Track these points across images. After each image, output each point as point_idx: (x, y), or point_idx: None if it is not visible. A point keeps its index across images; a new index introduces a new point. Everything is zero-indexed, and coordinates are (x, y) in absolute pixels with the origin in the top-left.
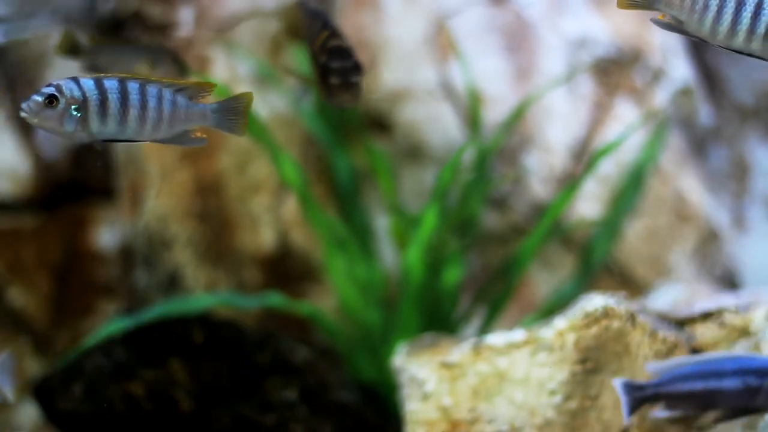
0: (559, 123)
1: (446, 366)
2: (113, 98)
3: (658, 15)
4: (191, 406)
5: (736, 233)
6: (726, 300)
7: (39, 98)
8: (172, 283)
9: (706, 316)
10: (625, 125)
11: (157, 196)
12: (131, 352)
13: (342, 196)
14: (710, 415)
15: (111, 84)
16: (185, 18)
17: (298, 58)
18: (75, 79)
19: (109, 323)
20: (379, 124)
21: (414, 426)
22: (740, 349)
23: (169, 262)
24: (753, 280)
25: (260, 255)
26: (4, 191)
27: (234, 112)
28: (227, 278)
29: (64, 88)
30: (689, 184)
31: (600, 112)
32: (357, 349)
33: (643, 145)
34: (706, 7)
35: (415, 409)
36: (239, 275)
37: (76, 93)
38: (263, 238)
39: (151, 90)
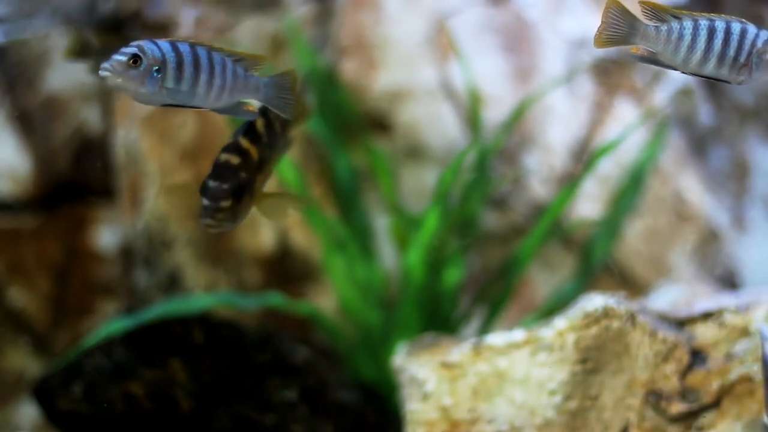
0: (559, 123)
1: (446, 366)
2: (188, 61)
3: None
4: (191, 406)
5: (736, 233)
6: (726, 300)
7: (122, 58)
8: (172, 283)
9: (706, 316)
10: (625, 125)
11: (157, 196)
12: (131, 352)
13: (342, 196)
14: None
15: (185, 48)
16: (185, 18)
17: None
18: (153, 41)
19: (109, 323)
20: (379, 124)
21: (414, 426)
22: (740, 349)
23: (169, 262)
24: (753, 280)
25: (260, 255)
26: (4, 191)
27: (283, 88)
28: (227, 278)
29: (145, 48)
30: (689, 184)
31: (600, 112)
32: (357, 349)
33: (643, 145)
34: (680, 37)
35: (415, 409)
36: (239, 275)
37: (157, 53)
38: (263, 238)
39: (217, 57)
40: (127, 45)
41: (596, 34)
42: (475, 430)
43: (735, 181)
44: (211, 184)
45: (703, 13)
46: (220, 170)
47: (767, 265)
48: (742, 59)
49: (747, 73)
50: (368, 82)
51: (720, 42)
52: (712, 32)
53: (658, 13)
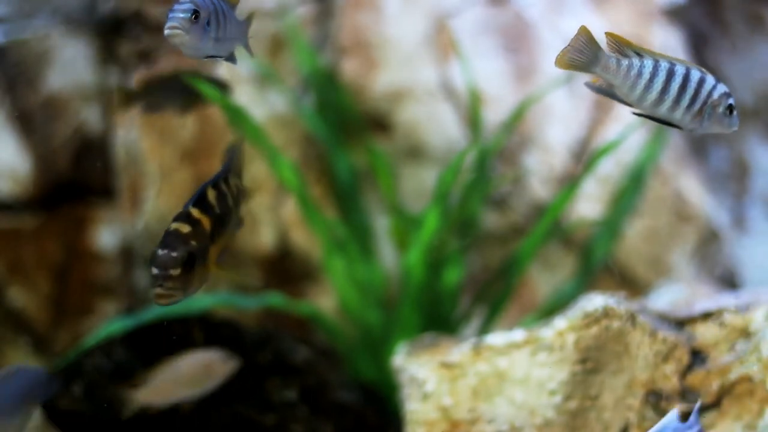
0: (559, 123)
1: (446, 366)
2: (220, 10)
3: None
4: (191, 406)
5: (736, 233)
6: (726, 300)
7: (186, 15)
8: None
9: (706, 316)
10: (625, 125)
11: (157, 196)
12: (131, 352)
13: (342, 196)
14: None
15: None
16: None
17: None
18: None
19: (109, 323)
20: (379, 124)
21: (414, 426)
22: (740, 349)
23: None
24: (753, 280)
25: (260, 255)
26: (4, 191)
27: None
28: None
29: (198, 1)
30: (689, 184)
31: (600, 112)
32: (357, 349)
33: (643, 145)
34: (639, 75)
35: (415, 409)
36: (239, 275)
37: (208, 5)
38: (263, 238)
39: (226, 6)
40: (176, 2)
41: (559, 55)
42: (475, 430)
43: (735, 181)
44: (160, 252)
45: (665, 55)
46: (169, 239)
47: (767, 265)
48: (696, 107)
49: (699, 122)
50: (368, 82)
51: (677, 86)
52: (670, 75)
53: (621, 47)
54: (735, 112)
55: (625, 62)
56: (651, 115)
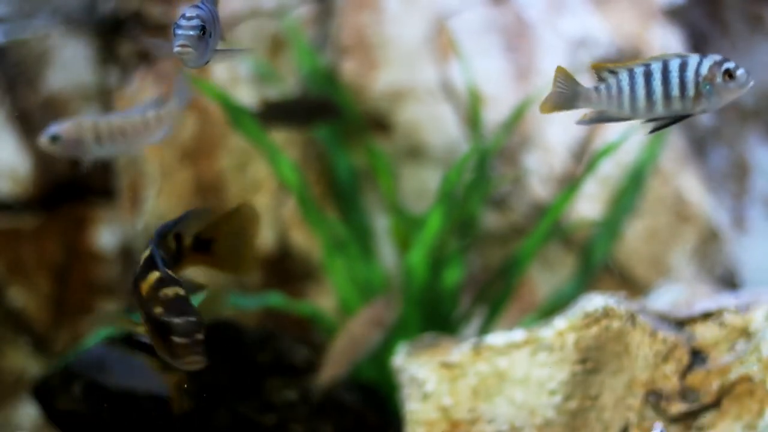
0: (559, 123)
1: (446, 366)
2: (215, 18)
3: (581, 116)
4: (191, 406)
5: (736, 233)
6: (726, 300)
7: (195, 32)
8: None
9: (706, 316)
10: (626, 125)
11: (157, 196)
12: (131, 352)
13: (342, 196)
14: None
15: (209, 6)
16: None
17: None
18: (196, 5)
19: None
20: (379, 124)
21: (414, 426)
22: (740, 349)
23: None
24: (753, 280)
25: (260, 255)
26: (4, 191)
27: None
28: (227, 278)
29: (203, 16)
30: (689, 184)
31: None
32: None
33: (643, 145)
34: (619, 90)
35: (415, 409)
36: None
37: (208, 16)
38: (263, 238)
39: (214, 10)
40: (182, 16)
41: (543, 101)
42: (475, 430)
43: (735, 181)
44: (179, 320)
45: (639, 60)
46: (178, 305)
47: (767, 265)
48: (690, 91)
49: (704, 102)
50: (368, 82)
51: (659, 83)
52: (648, 75)
53: (599, 73)
54: (738, 72)
55: (602, 87)
56: (653, 118)
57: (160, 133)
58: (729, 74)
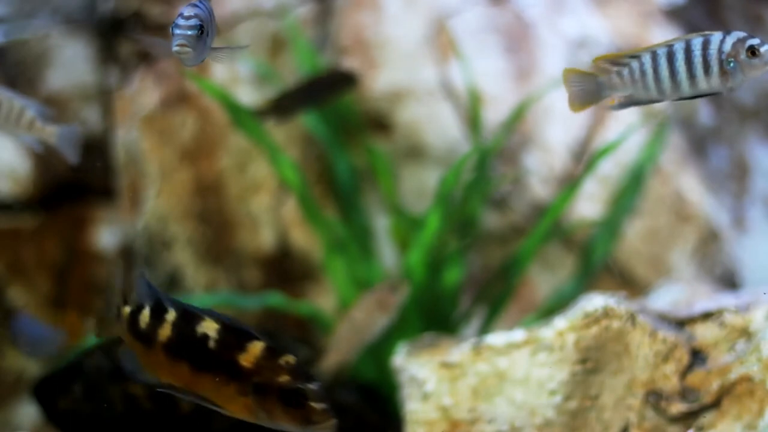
0: (559, 123)
1: (446, 366)
2: (211, 14)
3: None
4: (191, 406)
5: (736, 233)
6: (726, 300)
7: (193, 32)
8: (172, 283)
9: (706, 316)
10: (625, 125)
11: (157, 196)
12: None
13: (342, 196)
14: None
15: (206, 3)
16: None
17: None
18: (194, 4)
19: None
20: (379, 124)
21: (414, 426)
22: (740, 349)
23: (169, 262)
24: (753, 280)
25: (260, 255)
26: (4, 191)
27: None
28: (227, 278)
29: (201, 15)
30: (689, 184)
31: (600, 112)
32: None
33: (643, 145)
34: (643, 73)
35: (415, 409)
36: (239, 275)
37: (205, 15)
38: (263, 238)
39: (210, 8)
40: (180, 15)
41: (569, 103)
42: (475, 430)
43: (735, 181)
44: (311, 386)
45: (661, 42)
46: (303, 371)
47: (767, 265)
48: (714, 69)
49: (730, 79)
50: (368, 82)
51: (682, 62)
52: (671, 56)
53: (616, 61)
54: (763, 49)
55: (625, 71)
56: (681, 98)
57: (27, 138)
58: (753, 51)
